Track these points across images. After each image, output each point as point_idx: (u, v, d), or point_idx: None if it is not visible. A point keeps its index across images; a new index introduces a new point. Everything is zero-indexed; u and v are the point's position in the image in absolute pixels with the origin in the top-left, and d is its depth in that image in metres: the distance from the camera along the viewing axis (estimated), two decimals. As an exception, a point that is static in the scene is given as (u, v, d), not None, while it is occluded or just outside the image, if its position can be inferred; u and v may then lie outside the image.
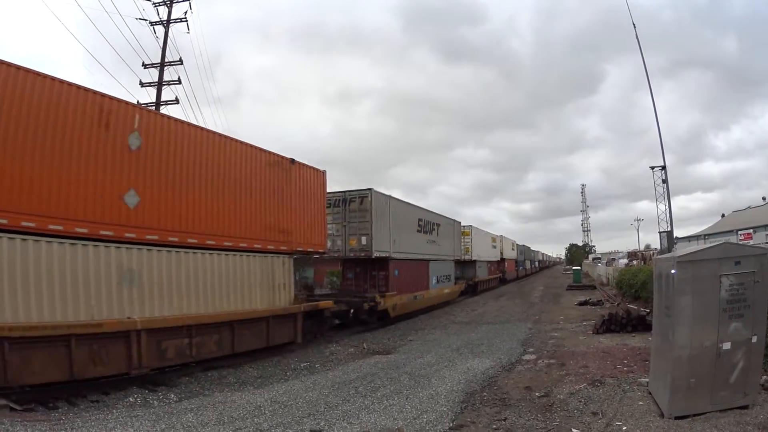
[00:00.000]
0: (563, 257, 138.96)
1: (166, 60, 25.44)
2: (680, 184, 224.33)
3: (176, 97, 26.00)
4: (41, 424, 6.82)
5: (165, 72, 25.42)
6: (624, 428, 6.17)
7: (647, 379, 7.94)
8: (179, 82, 25.94)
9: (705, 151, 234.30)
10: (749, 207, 37.25)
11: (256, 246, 12.36)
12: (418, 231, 22.73)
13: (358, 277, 19.44)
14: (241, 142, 12.30)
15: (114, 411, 7.71)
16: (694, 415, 6.12)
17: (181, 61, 26.03)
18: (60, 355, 7.98)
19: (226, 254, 11.47)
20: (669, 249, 25.80)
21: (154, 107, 25.04)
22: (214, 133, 11.80)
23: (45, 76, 8.21)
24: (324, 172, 15.42)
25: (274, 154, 13.22)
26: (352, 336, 16.13)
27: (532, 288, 40.06)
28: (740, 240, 22.42)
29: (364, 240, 17.88)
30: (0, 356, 7.25)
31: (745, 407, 6.22)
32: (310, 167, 14.81)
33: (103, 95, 9.11)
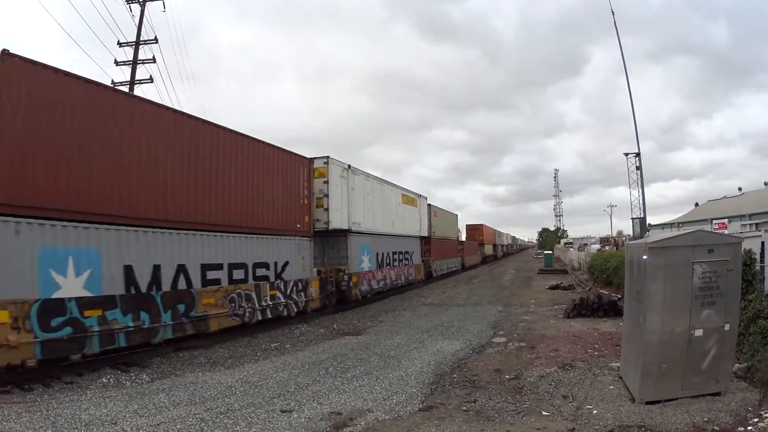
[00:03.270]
0: (535, 241, 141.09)
1: (142, 39, 24.82)
2: (659, 172, 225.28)
3: (150, 76, 25.45)
4: (17, 405, 6.72)
5: (140, 50, 24.82)
6: (594, 412, 6.16)
7: (618, 364, 7.98)
8: (154, 61, 25.35)
9: (686, 139, 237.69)
10: (725, 197, 38.00)
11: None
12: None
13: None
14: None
15: (88, 392, 7.62)
16: (666, 401, 6.14)
17: (156, 40, 25.40)
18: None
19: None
20: (642, 235, 26.24)
21: (128, 86, 24.51)
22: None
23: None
24: None
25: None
26: (323, 317, 16.00)
27: (504, 271, 40.55)
28: (714, 229, 22.82)
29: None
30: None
31: (717, 394, 6.26)
32: None
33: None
